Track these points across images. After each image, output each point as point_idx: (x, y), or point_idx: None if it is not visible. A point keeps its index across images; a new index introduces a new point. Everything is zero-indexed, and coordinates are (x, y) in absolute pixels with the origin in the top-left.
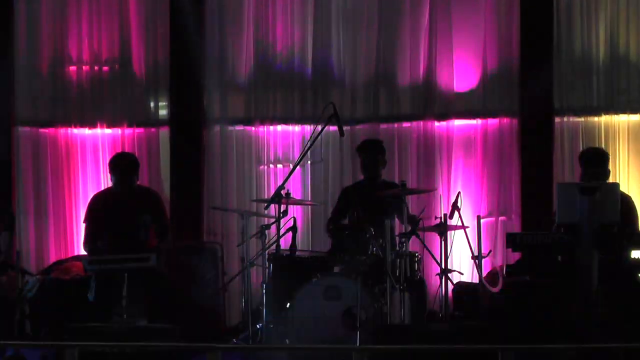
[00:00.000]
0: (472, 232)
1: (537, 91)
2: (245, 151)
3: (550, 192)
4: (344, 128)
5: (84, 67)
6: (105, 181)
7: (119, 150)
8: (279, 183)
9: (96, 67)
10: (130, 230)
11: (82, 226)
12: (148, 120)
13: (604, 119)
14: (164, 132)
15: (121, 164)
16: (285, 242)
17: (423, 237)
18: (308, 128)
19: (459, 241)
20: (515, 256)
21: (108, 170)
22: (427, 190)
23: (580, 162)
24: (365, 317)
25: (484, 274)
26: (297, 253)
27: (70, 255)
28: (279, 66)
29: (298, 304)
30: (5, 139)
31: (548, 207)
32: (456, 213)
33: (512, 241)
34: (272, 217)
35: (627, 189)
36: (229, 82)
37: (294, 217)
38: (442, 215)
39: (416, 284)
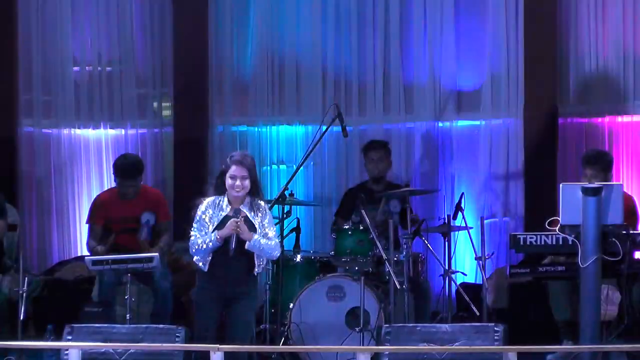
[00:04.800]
0: (475, 233)
1: (541, 92)
2: (249, 151)
3: (553, 193)
4: (348, 129)
5: (87, 68)
6: (109, 181)
7: (123, 150)
8: (283, 183)
9: (99, 68)
10: (133, 231)
11: (86, 227)
12: (152, 120)
13: (607, 120)
14: (168, 133)
15: (125, 166)
16: (288, 243)
17: (427, 238)
18: (312, 129)
19: (463, 242)
20: (518, 257)
21: (112, 171)
22: (430, 191)
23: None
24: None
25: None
26: (300, 253)
27: (73, 255)
28: (282, 66)
29: (301, 304)
30: (9, 139)
31: (551, 208)
32: (460, 214)
33: (515, 242)
34: (275, 217)
35: (630, 189)
36: (232, 82)
37: (297, 218)
38: (446, 216)
39: (420, 285)
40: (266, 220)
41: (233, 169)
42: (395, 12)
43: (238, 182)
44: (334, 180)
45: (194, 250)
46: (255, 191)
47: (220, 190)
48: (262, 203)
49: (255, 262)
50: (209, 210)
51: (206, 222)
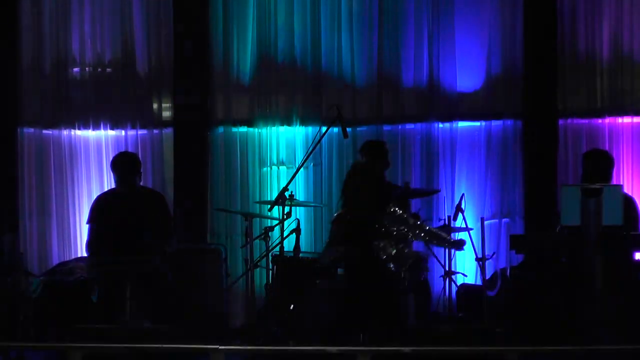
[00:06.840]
0: (476, 233)
1: (541, 93)
2: (249, 153)
3: (553, 194)
4: (348, 130)
5: (87, 69)
6: (109, 182)
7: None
8: (283, 185)
9: (100, 69)
10: (133, 232)
11: (86, 227)
12: (152, 121)
13: (607, 121)
14: (168, 134)
15: (122, 162)
16: (289, 244)
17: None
18: (311, 130)
19: None
20: (519, 258)
21: (110, 168)
22: (430, 192)
23: (582, 163)
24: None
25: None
26: (300, 255)
27: (73, 256)
28: (283, 67)
29: (302, 305)
30: (9, 140)
31: (551, 209)
32: (460, 215)
33: (515, 243)
34: (275, 218)
35: (630, 190)
36: (232, 83)
37: (297, 219)
38: (446, 217)
39: (420, 286)
40: None
41: None
42: (394, 13)
43: None
44: (334, 182)
45: None
46: None
47: None
48: None
49: None
50: None
51: None
